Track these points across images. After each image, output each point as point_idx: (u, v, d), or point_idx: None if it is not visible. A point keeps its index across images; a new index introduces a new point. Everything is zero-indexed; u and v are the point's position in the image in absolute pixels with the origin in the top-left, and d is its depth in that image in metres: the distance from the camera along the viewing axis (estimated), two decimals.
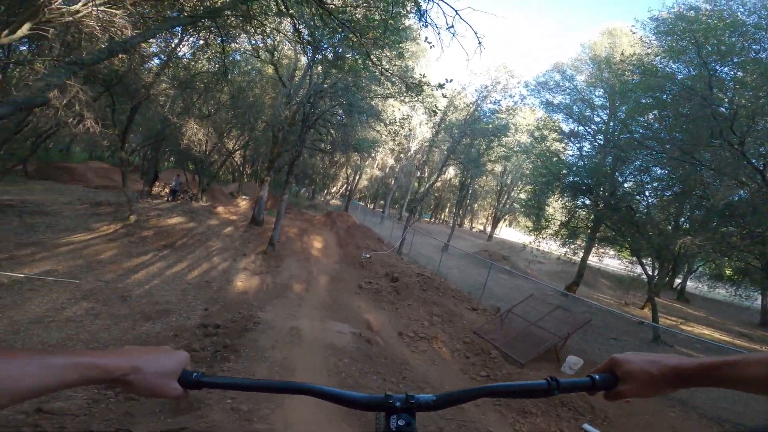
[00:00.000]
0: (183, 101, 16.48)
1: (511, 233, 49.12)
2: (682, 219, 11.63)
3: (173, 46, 12.10)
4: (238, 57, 16.34)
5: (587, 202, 13.62)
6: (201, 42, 10.08)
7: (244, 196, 24.21)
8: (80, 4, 4.88)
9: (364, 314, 8.34)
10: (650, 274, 11.45)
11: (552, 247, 15.56)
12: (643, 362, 0.67)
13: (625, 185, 12.49)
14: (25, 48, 9.07)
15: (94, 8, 4.95)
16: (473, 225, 54.50)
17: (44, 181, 18.25)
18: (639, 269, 12.06)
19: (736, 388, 0.61)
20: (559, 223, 14.71)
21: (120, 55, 7.99)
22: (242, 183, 29.38)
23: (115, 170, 15.43)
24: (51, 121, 8.39)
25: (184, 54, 13.27)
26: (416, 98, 10.79)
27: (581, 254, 14.77)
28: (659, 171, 11.24)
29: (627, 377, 0.68)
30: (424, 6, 4.76)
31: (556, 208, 17.11)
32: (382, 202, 46.32)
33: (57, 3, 4.67)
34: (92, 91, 11.56)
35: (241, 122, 19.61)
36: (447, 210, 54.82)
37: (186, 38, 11.64)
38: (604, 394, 0.71)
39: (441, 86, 8.46)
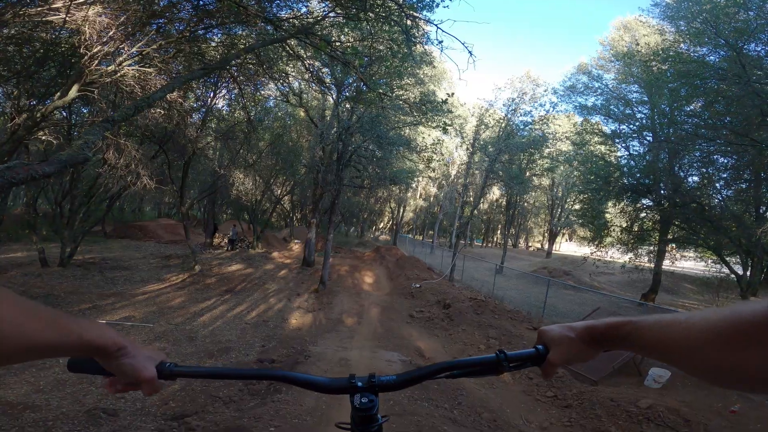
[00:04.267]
0: (228, 152, 17.66)
1: (571, 247, 45.92)
2: (763, 207, 10.21)
3: (209, 99, 13.09)
4: (271, 104, 17.51)
5: (649, 203, 12.51)
6: (235, 92, 10.86)
7: (296, 240, 25.16)
8: (116, 64, 5.72)
9: (415, 342, 8.15)
10: (738, 272, 10.01)
11: (615, 255, 14.27)
12: (562, 328, 0.69)
13: (689, 179, 11.39)
14: (86, 110, 10.14)
15: (128, 68, 5.76)
16: (529, 244, 51.82)
17: (121, 239, 20.47)
18: (722, 268, 10.64)
19: (638, 351, 0.59)
20: (620, 229, 13.57)
21: (160, 112, 8.72)
22: (293, 227, 30.37)
23: (182, 225, 17.09)
24: (120, 182, 9.48)
25: (222, 106, 14.37)
26: (433, 117, 10.88)
27: (653, 259, 13.37)
28: (723, 160, 10.16)
29: (552, 345, 0.69)
30: (407, 21, 4.97)
31: (614, 213, 15.91)
32: (431, 232, 45.91)
33: (95, 65, 5.50)
34: (148, 150, 12.66)
35: (284, 168, 20.57)
36: (498, 232, 52.95)
37: (219, 90, 12.60)
38: (540, 368, 0.72)
39: (445, 102, 8.72)
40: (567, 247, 47.96)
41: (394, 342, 7.91)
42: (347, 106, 12.83)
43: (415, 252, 26.59)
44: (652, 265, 13.21)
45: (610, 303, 11.95)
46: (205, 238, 21.15)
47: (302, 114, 17.40)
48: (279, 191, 24.55)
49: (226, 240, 21.18)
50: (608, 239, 13.61)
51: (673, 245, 12.81)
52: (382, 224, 53.02)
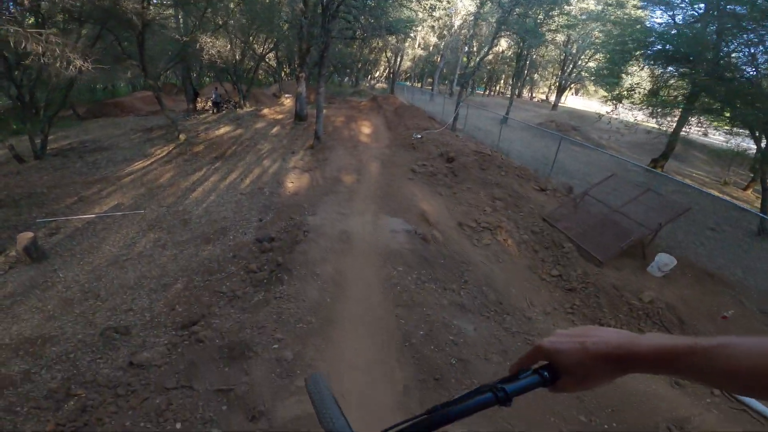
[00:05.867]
0: (193, 18, 15.42)
1: (578, 102, 43.50)
2: None
3: None
4: None
5: (684, 71, 11.05)
6: None
7: (287, 95, 23.85)
8: None
9: (419, 203, 7.48)
10: (761, 147, 9.28)
11: (638, 117, 13.20)
12: (576, 347, 0.53)
13: (733, 56, 9.70)
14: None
15: None
16: (534, 95, 48.77)
17: (97, 119, 19.27)
18: (741, 141, 10.00)
19: (706, 383, 0.46)
20: (645, 92, 12.26)
21: None
22: (282, 82, 29.23)
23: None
24: (63, 70, 8.05)
25: None
26: None
27: (672, 125, 12.54)
28: None
29: (566, 371, 0.54)
30: None
31: (642, 77, 14.43)
32: (430, 80, 42.79)
33: None
34: (91, 31, 11.76)
35: (262, 25, 18.42)
36: (502, 82, 49.53)
37: None
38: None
39: None
40: (573, 100, 45.34)
41: (396, 203, 7.37)
42: None
43: (413, 100, 25.07)
44: (671, 131, 12.49)
45: (618, 166, 11.46)
46: (187, 104, 20.05)
47: None
48: (261, 49, 22.15)
49: (209, 104, 20.14)
50: (630, 100, 12.44)
51: (699, 113, 11.71)
52: (378, 73, 49.45)
